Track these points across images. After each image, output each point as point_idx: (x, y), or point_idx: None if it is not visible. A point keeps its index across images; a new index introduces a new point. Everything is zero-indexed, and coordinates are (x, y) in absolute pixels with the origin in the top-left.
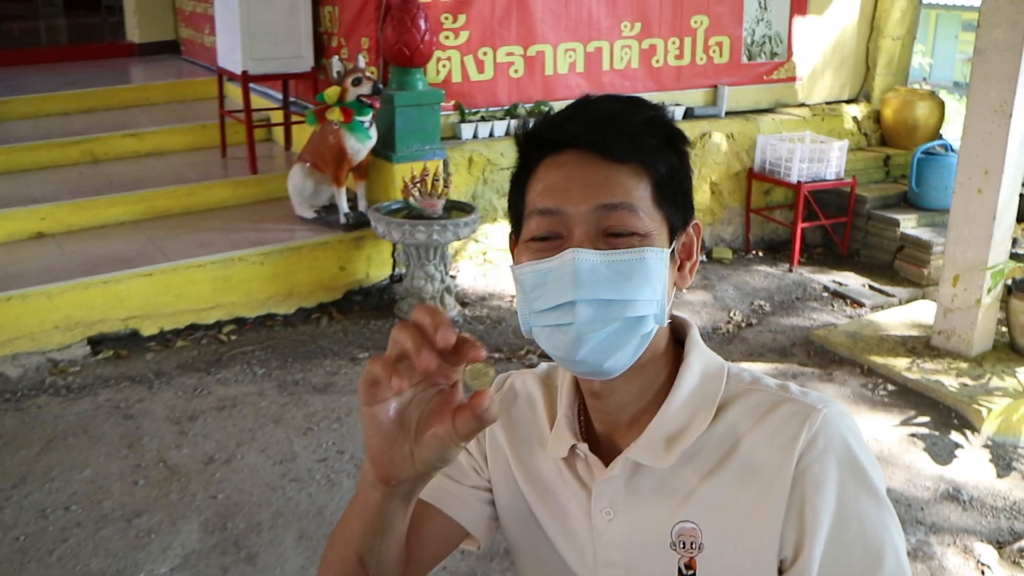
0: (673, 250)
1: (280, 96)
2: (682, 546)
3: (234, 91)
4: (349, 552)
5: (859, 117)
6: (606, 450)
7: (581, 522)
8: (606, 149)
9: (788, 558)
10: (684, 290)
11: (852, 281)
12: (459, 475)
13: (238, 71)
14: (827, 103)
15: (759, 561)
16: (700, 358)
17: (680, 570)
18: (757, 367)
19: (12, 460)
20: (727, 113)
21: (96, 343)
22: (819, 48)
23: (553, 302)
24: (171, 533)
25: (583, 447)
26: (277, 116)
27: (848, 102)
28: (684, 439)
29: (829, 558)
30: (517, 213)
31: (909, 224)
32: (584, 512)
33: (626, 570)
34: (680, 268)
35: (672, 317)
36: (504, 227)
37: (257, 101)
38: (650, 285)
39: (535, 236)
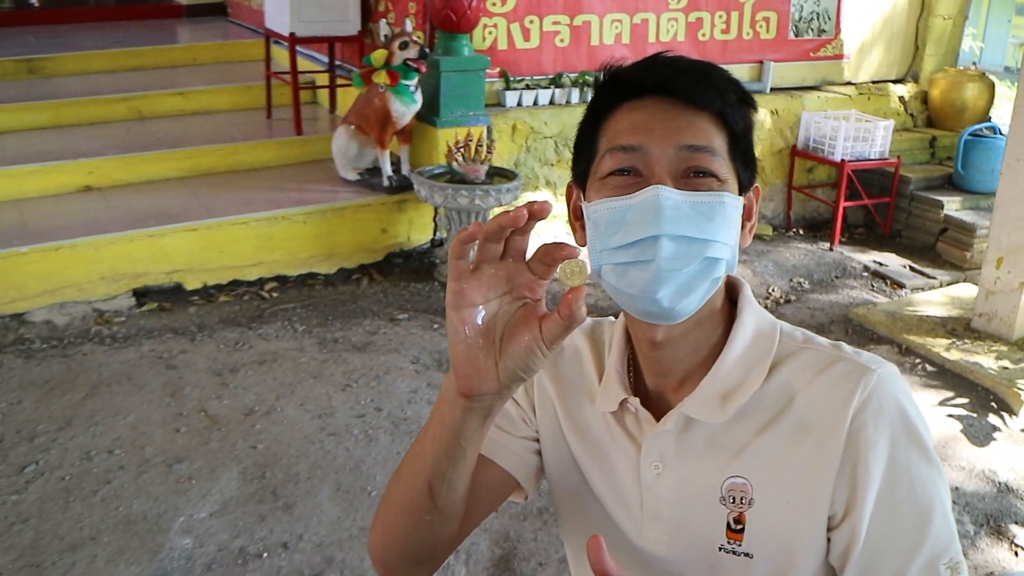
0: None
1: (326, 59)
2: (732, 501)
3: (280, 53)
4: (419, 482)
5: (906, 97)
6: (656, 406)
7: (628, 476)
8: (691, 96)
9: (838, 514)
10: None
11: (893, 262)
12: (509, 426)
13: (285, 33)
14: (874, 82)
15: (810, 516)
16: (753, 316)
17: (729, 524)
18: None
19: (58, 404)
20: (772, 89)
21: (141, 295)
22: (867, 26)
23: (633, 237)
24: (211, 480)
25: (634, 401)
26: (322, 79)
27: (895, 82)
28: (739, 396)
29: (879, 515)
30: (587, 156)
31: (953, 206)
32: (632, 466)
33: (673, 524)
34: (741, 227)
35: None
36: (546, 195)
37: (303, 63)
38: (727, 229)
39: (614, 170)
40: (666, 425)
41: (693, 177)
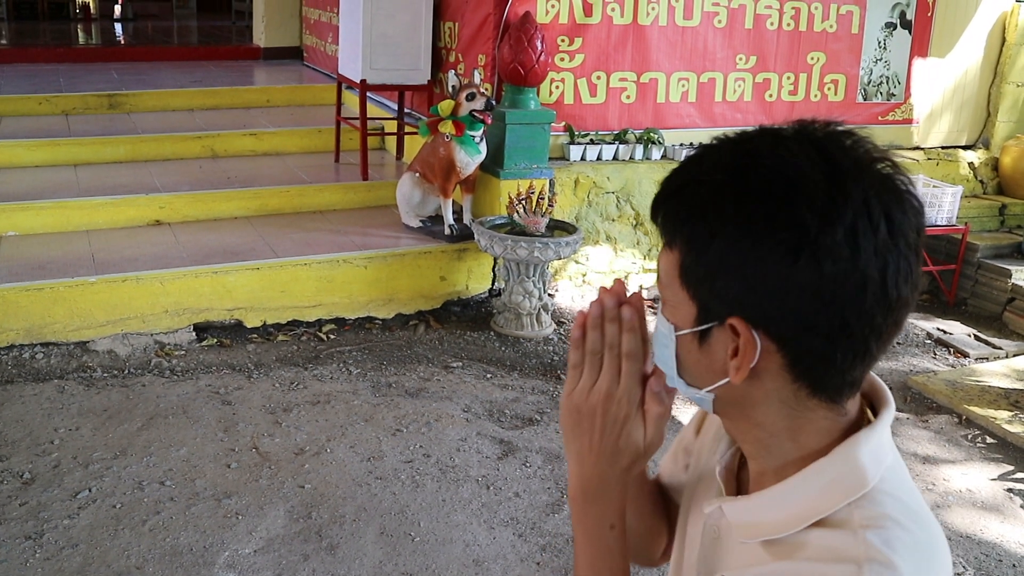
0: (702, 333)
1: (395, 106)
2: None
3: (351, 99)
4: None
5: (976, 163)
6: (749, 481)
7: (694, 528)
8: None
9: None
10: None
11: (957, 330)
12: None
13: (357, 79)
14: (943, 147)
15: None
16: (850, 457)
17: None
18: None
19: (115, 433)
20: None
21: (201, 330)
22: (938, 91)
23: None
24: (258, 516)
25: (719, 467)
26: (391, 125)
27: (965, 148)
28: (764, 530)
29: None
30: None
31: (1022, 275)
32: (699, 519)
33: None
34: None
35: (874, 384)
36: (605, 250)
37: (373, 110)
38: (661, 346)
39: None
40: (718, 504)
41: None
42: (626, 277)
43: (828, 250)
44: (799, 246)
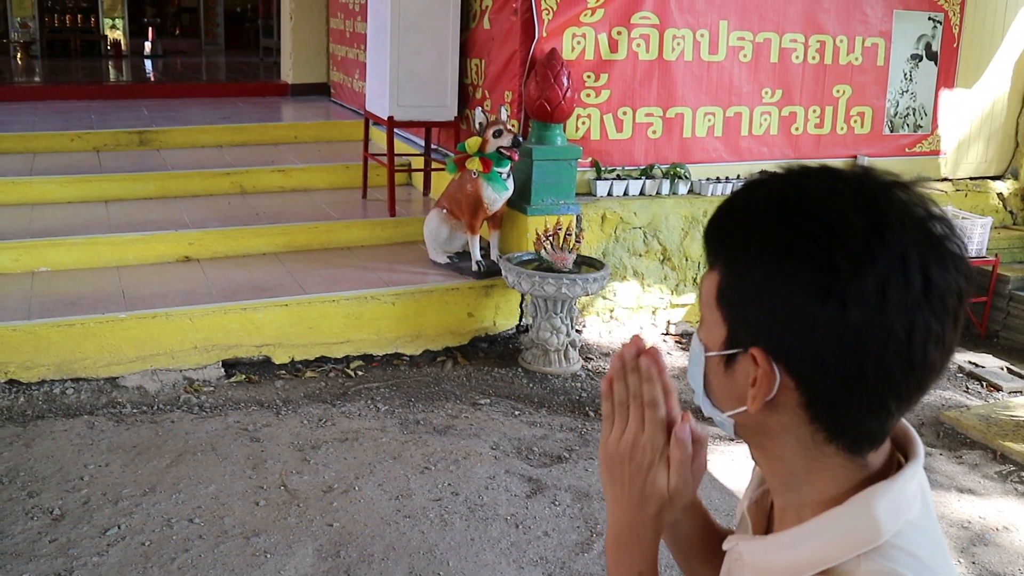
0: (728, 357)
1: (422, 142)
2: None
3: (379, 135)
4: None
5: (1005, 194)
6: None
7: (723, 572)
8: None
9: None
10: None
11: (989, 363)
12: None
13: (384, 116)
14: (972, 178)
15: None
16: (866, 509)
17: None
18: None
19: (144, 469)
20: None
21: (230, 366)
22: (966, 122)
23: None
24: (286, 555)
25: (747, 503)
26: (418, 162)
27: (994, 178)
28: (773, 572)
29: None
30: None
31: None
32: (726, 563)
33: None
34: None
35: (908, 433)
36: (633, 286)
37: (400, 146)
38: (692, 367)
39: None
40: (736, 541)
41: None
42: (653, 312)
43: (856, 298)
44: (829, 289)
